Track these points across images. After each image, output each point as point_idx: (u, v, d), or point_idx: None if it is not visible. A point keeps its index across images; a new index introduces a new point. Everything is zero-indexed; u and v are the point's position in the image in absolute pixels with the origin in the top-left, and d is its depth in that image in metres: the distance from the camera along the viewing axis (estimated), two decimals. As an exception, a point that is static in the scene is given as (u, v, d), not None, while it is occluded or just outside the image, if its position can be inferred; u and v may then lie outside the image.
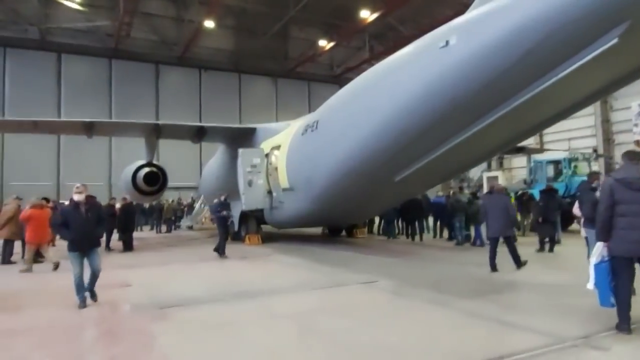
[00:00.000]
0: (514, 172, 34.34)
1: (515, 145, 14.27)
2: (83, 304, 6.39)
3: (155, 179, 16.53)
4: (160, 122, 15.78)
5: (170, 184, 17.22)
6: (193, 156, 31.41)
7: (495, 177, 33.17)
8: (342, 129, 10.54)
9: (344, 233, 17.35)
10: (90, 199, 6.99)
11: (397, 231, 16.40)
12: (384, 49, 37.17)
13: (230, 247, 14.30)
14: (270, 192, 14.90)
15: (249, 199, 14.53)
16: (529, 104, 7.33)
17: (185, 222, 25.78)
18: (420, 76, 8.25)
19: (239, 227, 15.73)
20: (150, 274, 9.49)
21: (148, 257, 12.70)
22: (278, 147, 14.58)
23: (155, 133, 15.84)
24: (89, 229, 6.54)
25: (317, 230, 18.32)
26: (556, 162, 17.61)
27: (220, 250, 12.09)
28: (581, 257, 7.89)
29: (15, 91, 28.32)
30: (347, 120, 10.42)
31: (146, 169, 16.59)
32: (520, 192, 15.55)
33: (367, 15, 28.39)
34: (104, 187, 30.30)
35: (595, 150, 27.96)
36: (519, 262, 8.83)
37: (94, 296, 6.74)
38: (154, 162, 16.77)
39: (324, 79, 38.70)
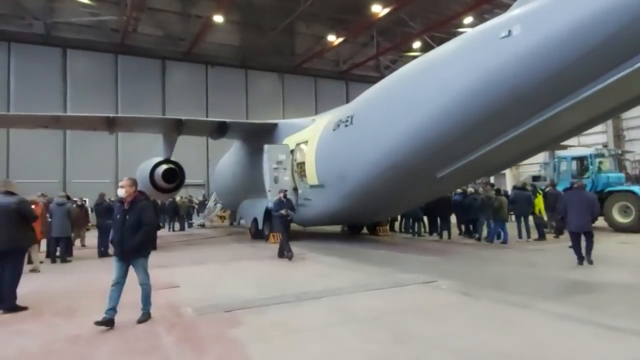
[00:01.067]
0: (521, 169, 34.24)
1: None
2: (104, 322, 5.28)
3: (173, 176, 16.14)
4: (182, 117, 15.28)
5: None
6: (200, 152, 31.01)
7: (503, 174, 33.10)
8: (384, 123, 10.25)
9: (364, 231, 17.10)
10: (139, 195, 5.87)
11: (423, 229, 16.13)
12: (391, 45, 36.97)
13: (256, 246, 14.05)
14: (295, 189, 14.58)
15: (275, 196, 14.18)
16: (596, 97, 7.09)
17: (197, 220, 25.40)
18: (477, 67, 7.96)
19: (262, 225, 15.35)
20: (192, 274, 9.15)
21: (177, 256, 12.34)
22: (305, 143, 14.27)
23: (176, 129, 15.43)
24: (126, 233, 5.55)
25: (334, 228, 17.99)
26: (581, 159, 17.39)
27: (285, 251, 10.90)
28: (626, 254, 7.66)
29: (20, 86, 27.71)
30: (389, 113, 10.12)
31: (164, 166, 16.17)
32: (547, 189, 15.30)
33: (378, 10, 28.01)
34: (110, 184, 29.80)
35: (605, 146, 27.87)
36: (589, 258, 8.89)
37: (144, 315, 5.70)
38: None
39: (330, 75, 38.33)
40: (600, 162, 16.99)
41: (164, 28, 31.96)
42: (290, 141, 15.09)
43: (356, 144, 11.24)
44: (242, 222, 18.49)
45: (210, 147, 30.94)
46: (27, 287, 7.06)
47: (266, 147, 14.50)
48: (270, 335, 4.84)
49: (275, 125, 16.59)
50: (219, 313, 5.92)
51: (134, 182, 5.88)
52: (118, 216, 5.68)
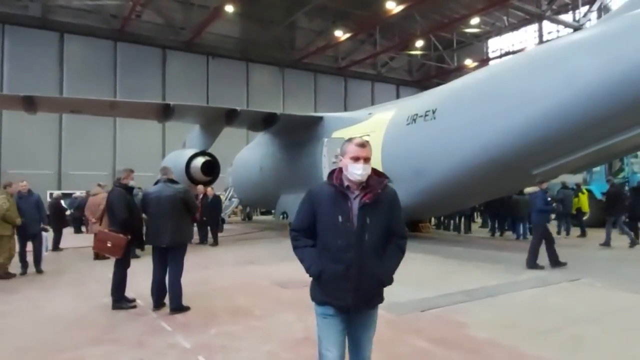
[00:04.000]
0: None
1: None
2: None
3: (210, 169, 15.46)
4: (237, 108, 14.56)
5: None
6: (154, 141, 30.02)
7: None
8: (482, 118, 10.04)
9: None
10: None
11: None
12: (390, 43, 37.03)
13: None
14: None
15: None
16: None
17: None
18: (618, 60, 7.87)
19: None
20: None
21: (249, 253, 11.74)
22: (365, 137, 13.92)
23: (225, 119, 14.70)
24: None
25: None
26: (615, 159, 17.83)
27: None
28: None
29: (14, 71, 25.86)
30: (490, 108, 9.92)
31: (201, 158, 15.44)
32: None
33: (392, 6, 27.92)
34: (108, 177, 28.39)
35: None
36: None
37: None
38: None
39: (329, 71, 38.00)
40: (632, 163, 17.49)
41: (165, 16, 30.71)
42: (343, 135, 14.66)
43: (442, 138, 11.00)
44: (282, 217, 17.76)
45: (166, 135, 30.04)
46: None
47: (326, 140, 14.08)
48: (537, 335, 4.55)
49: (320, 118, 16.13)
50: (417, 313, 5.57)
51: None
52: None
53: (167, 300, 5.80)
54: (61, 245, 12.43)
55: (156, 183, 5.94)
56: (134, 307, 5.90)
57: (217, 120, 14.87)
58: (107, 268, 9.25)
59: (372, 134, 13.53)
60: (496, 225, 15.24)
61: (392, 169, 12.54)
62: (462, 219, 16.11)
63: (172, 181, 5.92)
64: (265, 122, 15.57)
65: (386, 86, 40.95)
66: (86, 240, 14.66)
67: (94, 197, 10.56)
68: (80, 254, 11.59)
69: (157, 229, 5.64)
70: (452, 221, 17.08)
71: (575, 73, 8.46)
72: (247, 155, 21.17)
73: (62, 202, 15.35)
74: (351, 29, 33.49)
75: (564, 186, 15.18)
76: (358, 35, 35.06)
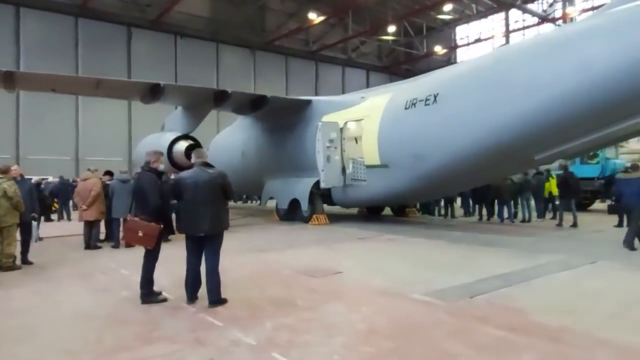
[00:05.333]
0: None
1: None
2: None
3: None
4: (228, 89, 13.90)
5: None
6: (120, 124, 29.05)
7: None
8: (489, 103, 10.03)
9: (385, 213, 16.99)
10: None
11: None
12: (361, 28, 36.85)
13: (308, 228, 13.34)
14: (343, 169, 14.02)
15: (329, 176, 13.55)
16: None
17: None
18: (635, 47, 7.97)
19: (307, 206, 14.51)
20: (311, 259, 8.39)
21: (246, 241, 11.33)
22: (357, 121, 13.74)
23: (215, 101, 14.05)
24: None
25: (344, 210, 17.43)
26: (589, 145, 18.46)
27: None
28: None
29: (-37, 47, 23.89)
30: (497, 93, 9.90)
31: (184, 142, 14.78)
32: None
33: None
34: (70, 162, 26.98)
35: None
36: None
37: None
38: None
39: (300, 55, 37.45)
40: (605, 150, 18.16)
41: (129, -9, 29.16)
42: (336, 119, 14.39)
43: (445, 123, 10.92)
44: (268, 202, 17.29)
45: (133, 117, 29.04)
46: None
47: (321, 124, 13.74)
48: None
49: (309, 102, 15.75)
50: (467, 299, 5.45)
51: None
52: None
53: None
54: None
55: (189, 168, 5.49)
56: (165, 300, 5.48)
57: (204, 101, 14.20)
58: (106, 257, 8.77)
59: (367, 118, 13.37)
60: (474, 209, 15.60)
61: (389, 153, 12.50)
62: (449, 204, 16.26)
63: (207, 165, 5.48)
64: (253, 104, 15.03)
65: (356, 71, 40.86)
66: (64, 228, 13.83)
67: (85, 183, 9.82)
68: (65, 243, 10.85)
69: (194, 217, 5.20)
70: (436, 206, 17.21)
71: (583, 60, 8.54)
72: (226, 139, 20.47)
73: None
74: (324, 12, 33.02)
75: (538, 172, 15.56)
76: (331, 19, 34.65)
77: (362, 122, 13.54)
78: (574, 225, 12.79)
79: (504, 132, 9.84)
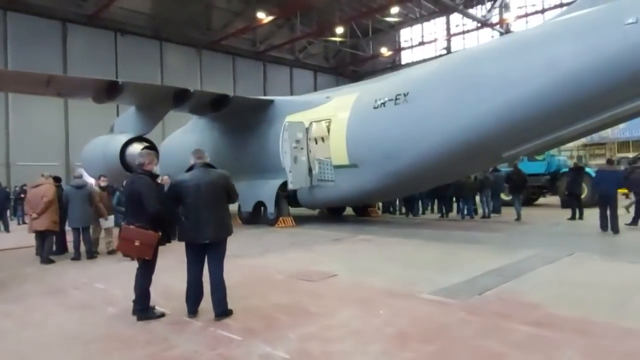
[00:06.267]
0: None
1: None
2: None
3: None
4: (190, 88, 13.21)
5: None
6: (56, 126, 27.43)
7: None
8: (460, 101, 10.21)
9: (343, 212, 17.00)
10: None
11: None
12: (308, 28, 36.82)
13: (277, 231, 13.00)
14: (310, 170, 13.81)
15: (296, 177, 13.27)
16: None
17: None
18: (598, 49, 8.39)
19: (274, 208, 14.11)
20: (298, 262, 8.12)
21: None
22: (325, 121, 13.57)
23: (174, 101, 13.34)
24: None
25: (307, 211, 17.21)
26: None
27: None
28: None
29: None
30: (468, 91, 10.11)
31: (138, 144, 13.99)
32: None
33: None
34: (60, 167, 25.18)
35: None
36: None
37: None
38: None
39: (248, 55, 36.72)
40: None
41: (63, -16, 27.22)
42: (301, 119, 14.14)
43: (416, 121, 11.02)
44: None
45: (70, 119, 27.61)
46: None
47: (287, 123, 13.44)
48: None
49: (271, 102, 15.40)
50: (476, 297, 5.43)
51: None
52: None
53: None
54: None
55: (189, 169, 5.07)
56: (163, 315, 5.01)
57: (163, 101, 13.45)
58: (70, 271, 8.00)
59: (334, 118, 13.26)
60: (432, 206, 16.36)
61: (358, 153, 12.47)
62: (410, 202, 16.48)
63: (209, 165, 5.08)
64: (214, 104, 14.45)
65: (304, 72, 40.74)
66: (7, 241, 12.53)
67: (37, 189, 8.89)
68: (13, 257, 9.78)
69: (196, 223, 4.79)
70: (397, 205, 17.41)
71: (553, 59, 8.90)
72: (178, 141, 19.55)
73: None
74: (271, 12, 32.61)
75: (495, 169, 16.18)
76: (278, 19, 34.26)
77: (329, 122, 13.39)
78: (518, 219, 13.61)
79: (474, 130, 10.06)
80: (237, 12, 34.66)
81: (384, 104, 11.83)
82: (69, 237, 9.57)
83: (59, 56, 27.22)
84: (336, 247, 9.78)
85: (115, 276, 7.35)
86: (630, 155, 28.08)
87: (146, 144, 14.15)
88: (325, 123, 13.58)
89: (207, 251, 4.94)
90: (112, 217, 9.60)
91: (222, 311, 4.86)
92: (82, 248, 9.14)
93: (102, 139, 15.48)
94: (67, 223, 9.43)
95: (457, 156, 10.72)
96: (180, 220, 4.91)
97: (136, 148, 13.86)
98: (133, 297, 5.06)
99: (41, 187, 8.92)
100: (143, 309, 4.92)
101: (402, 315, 4.84)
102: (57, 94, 13.91)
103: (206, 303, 4.99)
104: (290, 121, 13.61)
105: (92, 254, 9.17)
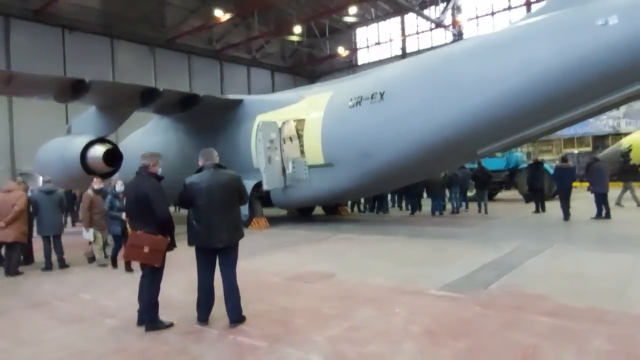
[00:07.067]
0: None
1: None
2: None
3: (111, 158, 13.48)
4: (159, 87, 12.65)
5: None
6: (1, 130, 25.81)
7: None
8: (435, 100, 10.42)
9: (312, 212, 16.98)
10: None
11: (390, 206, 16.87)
12: (265, 27, 36.47)
13: (254, 233, 12.73)
14: (283, 170, 13.65)
15: (270, 177, 13.07)
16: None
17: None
18: (571, 50, 8.79)
19: (248, 210, 13.79)
20: (293, 262, 8.01)
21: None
22: (298, 121, 13.45)
23: (141, 100, 12.78)
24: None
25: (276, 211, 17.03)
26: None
27: None
28: None
29: None
30: (444, 90, 10.31)
31: (100, 146, 13.36)
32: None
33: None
34: (4, 172, 23.20)
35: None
36: None
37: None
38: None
39: (204, 54, 35.84)
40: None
41: (4, -23, 25.47)
42: (274, 118, 13.93)
43: (392, 120, 11.13)
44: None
45: (14, 120, 26.03)
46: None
47: (261, 123, 13.19)
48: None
49: (240, 101, 15.10)
50: (482, 290, 5.55)
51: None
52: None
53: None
54: None
55: (199, 171, 4.84)
56: (172, 325, 4.76)
57: (129, 101, 12.85)
58: (47, 282, 7.47)
59: (308, 117, 13.18)
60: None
61: (334, 151, 12.44)
62: (380, 200, 16.68)
63: (220, 166, 4.87)
64: (182, 104, 13.99)
65: (261, 71, 40.29)
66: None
67: (6, 195, 8.20)
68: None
69: (209, 226, 4.58)
70: (367, 203, 17.58)
71: (527, 59, 9.25)
72: (138, 142, 18.72)
73: None
74: (227, 10, 32.01)
75: (462, 166, 16.69)
76: (235, 17, 33.68)
77: (302, 121, 13.29)
78: (486, 212, 14.63)
79: (451, 128, 10.28)
80: (192, 10, 33.79)
81: (359, 102, 11.86)
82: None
83: (1, 52, 25.44)
84: (320, 247, 9.70)
85: (100, 286, 6.94)
86: (576, 151, 29.92)
87: (109, 146, 13.54)
88: (298, 122, 13.47)
89: (219, 256, 4.75)
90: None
91: (238, 317, 4.69)
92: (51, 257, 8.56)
93: (60, 141, 14.63)
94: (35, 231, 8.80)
95: (434, 154, 10.95)
96: (190, 224, 4.68)
97: (98, 150, 13.27)
98: (137, 307, 4.80)
99: (12, 194, 8.25)
100: (152, 319, 4.66)
101: (420, 312, 4.85)
102: (15, 93, 12.96)
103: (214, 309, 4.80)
104: (264, 121, 13.38)
105: (63, 264, 8.60)
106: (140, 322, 4.76)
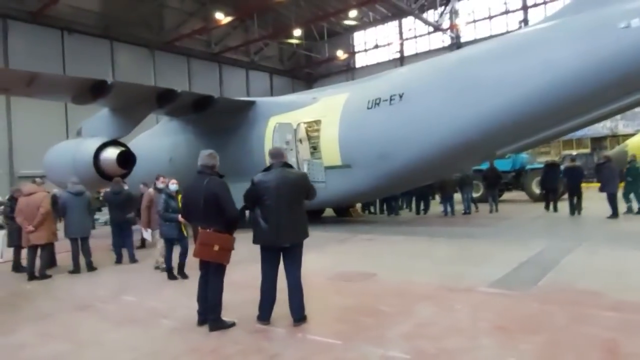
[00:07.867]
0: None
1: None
2: None
3: (124, 160, 13.43)
4: (177, 89, 12.58)
5: None
6: None
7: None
8: (456, 102, 10.50)
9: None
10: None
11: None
12: (264, 30, 36.53)
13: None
14: (299, 171, 13.64)
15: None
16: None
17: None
18: (594, 52, 8.92)
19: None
20: (326, 262, 8.01)
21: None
22: (314, 123, 13.46)
23: (157, 102, 12.72)
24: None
25: None
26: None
27: None
28: None
29: None
30: (466, 92, 10.40)
31: (113, 148, 13.31)
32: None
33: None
34: (3, 175, 22.98)
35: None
36: None
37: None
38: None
39: (203, 56, 35.78)
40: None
41: (4, -22, 25.22)
42: (288, 120, 13.92)
43: (412, 122, 11.19)
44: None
45: (13, 121, 25.82)
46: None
47: (277, 124, 13.18)
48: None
49: (253, 103, 15.07)
50: (533, 287, 5.60)
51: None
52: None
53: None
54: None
55: (267, 169, 4.82)
56: (234, 324, 4.74)
57: (145, 103, 12.78)
58: (80, 285, 7.35)
59: (324, 119, 13.19)
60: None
61: (351, 154, 12.47)
62: (392, 201, 16.73)
63: (288, 165, 4.88)
64: (195, 106, 13.93)
65: (260, 74, 40.31)
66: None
67: (29, 198, 8.08)
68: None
69: (277, 225, 4.58)
70: (376, 205, 17.61)
71: (548, 61, 9.37)
72: (147, 144, 18.58)
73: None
74: (225, 13, 32.01)
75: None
76: (234, 20, 33.68)
77: (319, 122, 13.30)
78: (496, 211, 15.17)
79: (472, 130, 10.35)
80: (191, 13, 33.77)
81: (378, 104, 11.92)
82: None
83: (-1, 55, 25.18)
84: (346, 247, 9.71)
85: (138, 288, 6.89)
86: (574, 152, 30.25)
87: (122, 149, 13.49)
88: (315, 124, 13.48)
89: (284, 255, 4.74)
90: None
91: (302, 316, 4.68)
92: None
93: (70, 143, 14.55)
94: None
95: (454, 155, 11.03)
96: (257, 223, 4.68)
97: (112, 153, 13.24)
98: (191, 307, 4.80)
99: (35, 196, 8.14)
100: (216, 318, 4.63)
101: (481, 309, 4.88)
102: (37, 95, 12.83)
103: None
104: (281, 123, 13.37)
105: (91, 266, 8.51)
106: (201, 322, 4.74)
